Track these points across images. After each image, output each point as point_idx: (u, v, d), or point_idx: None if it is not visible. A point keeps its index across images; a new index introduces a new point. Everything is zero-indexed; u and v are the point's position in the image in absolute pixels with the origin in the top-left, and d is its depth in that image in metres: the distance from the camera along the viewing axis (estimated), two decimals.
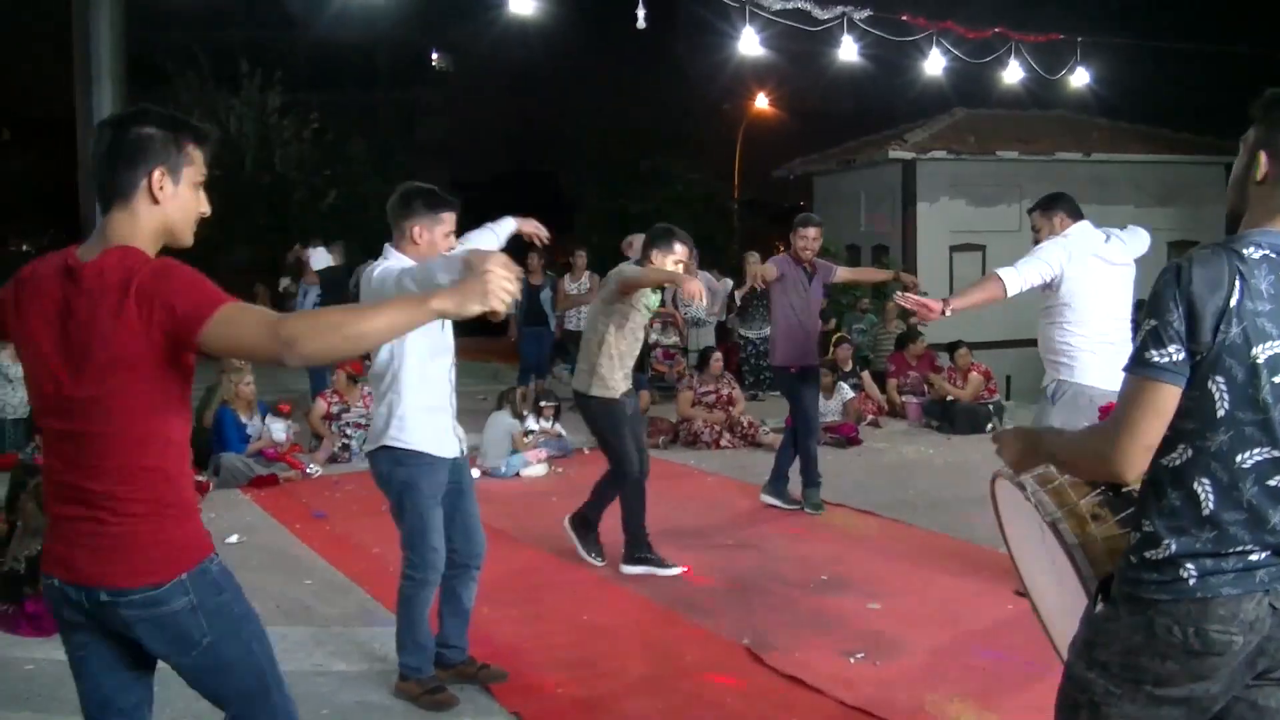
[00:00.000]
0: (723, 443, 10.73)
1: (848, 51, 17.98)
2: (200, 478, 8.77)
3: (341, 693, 4.75)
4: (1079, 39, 17.74)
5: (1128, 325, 5.59)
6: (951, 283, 21.35)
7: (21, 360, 2.61)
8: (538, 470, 9.56)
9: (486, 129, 39.49)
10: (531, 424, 10.14)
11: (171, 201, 2.59)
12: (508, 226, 5.40)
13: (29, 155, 32.60)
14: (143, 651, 2.65)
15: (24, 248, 33.70)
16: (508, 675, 4.82)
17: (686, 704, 4.64)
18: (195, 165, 2.63)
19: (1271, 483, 2.26)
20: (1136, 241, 5.88)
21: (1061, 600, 2.77)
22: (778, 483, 8.23)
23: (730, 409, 11.10)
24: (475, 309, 2.48)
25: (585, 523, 6.71)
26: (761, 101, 32.41)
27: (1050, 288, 5.63)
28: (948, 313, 5.56)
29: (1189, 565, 2.26)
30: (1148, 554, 2.31)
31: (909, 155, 21.22)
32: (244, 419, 9.49)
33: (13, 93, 32.02)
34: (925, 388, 12.42)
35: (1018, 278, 5.54)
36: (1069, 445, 2.52)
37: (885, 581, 6.30)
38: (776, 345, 8.18)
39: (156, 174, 2.56)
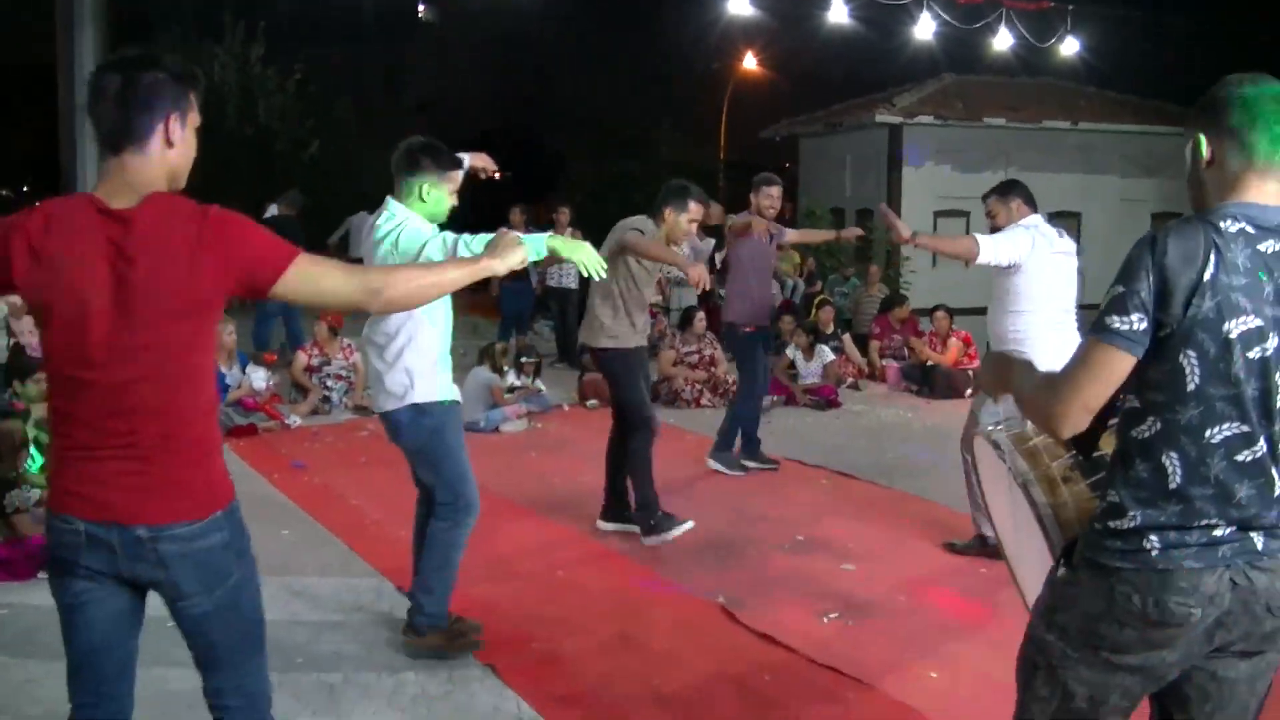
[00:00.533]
0: (703, 402, 10.76)
1: (837, 13, 17.94)
2: None
3: (316, 643, 4.77)
4: (1070, 6, 17.73)
5: (1074, 313, 5.85)
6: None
7: (46, 309, 2.52)
8: (517, 425, 9.56)
9: (473, 87, 39.10)
10: (512, 379, 10.14)
11: (180, 146, 2.65)
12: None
13: (10, 101, 32.21)
14: (141, 604, 2.70)
15: (3, 193, 33.38)
16: (482, 628, 4.83)
17: (659, 661, 4.66)
18: (195, 111, 2.71)
19: (1239, 458, 2.25)
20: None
21: (1031, 561, 2.79)
22: (749, 446, 8.20)
23: (712, 369, 11.12)
24: (517, 257, 2.99)
25: (620, 506, 6.50)
26: (750, 63, 32.26)
27: (1008, 271, 5.77)
28: (914, 243, 5.99)
29: (1153, 537, 2.26)
30: (1112, 524, 2.32)
31: (896, 120, 21.16)
32: (223, 369, 9.46)
33: None
34: (906, 351, 12.45)
35: (992, 247, 5.72)
36: (1027, 386, 2.50)
37: (860, 543, 6.34)
38: (732, 303, 8.06)
39: (171, 120, 2.61)
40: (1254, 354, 2.22)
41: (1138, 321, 2.22)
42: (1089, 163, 21.88)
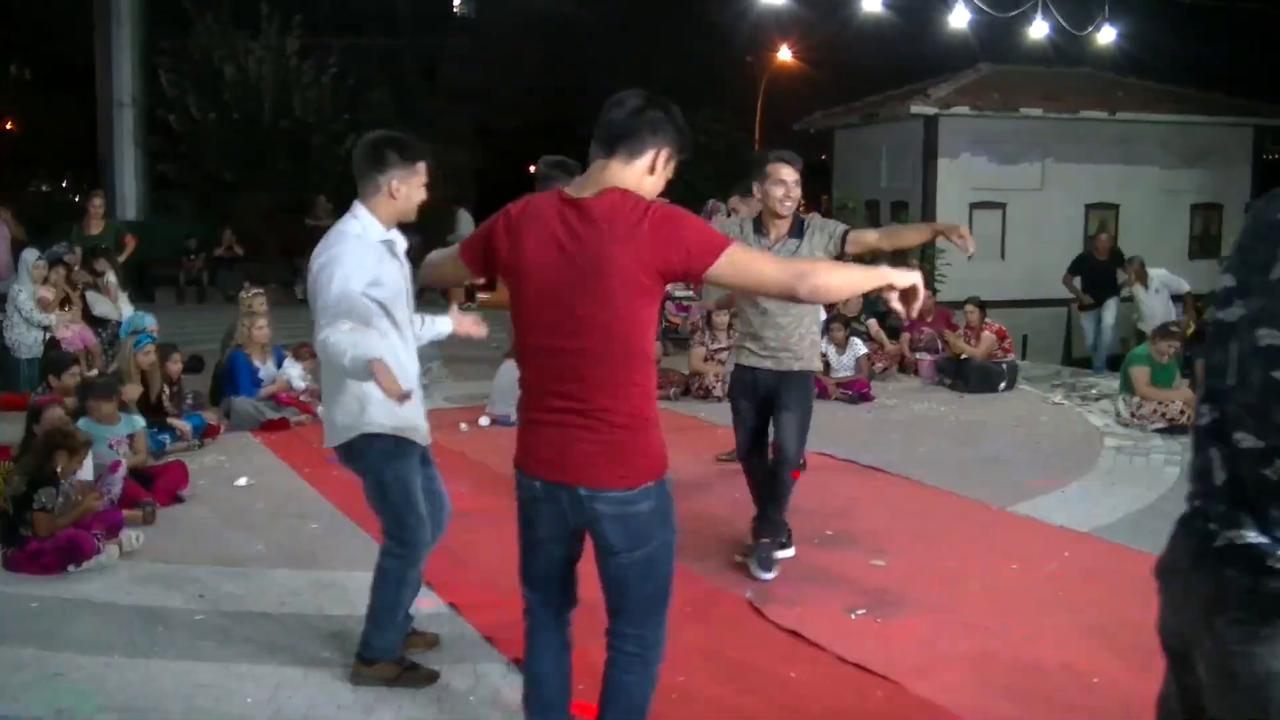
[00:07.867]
0: None
1: (872, 3, 17.85)
2: (211, 420, 8.81)
3: (344, 638, 4.77)
4: None
5: None
6: None
7: (514, 287, 2.96)
8: None
9: (510, 78, 39.17)
10: None
11: (657, 180, 3.08)
12: (444, 327, 4.84)
13: (51, 96, 32.58)
14: (578, 543, 3.17)
15: (43, 188, 33.71)
16: (440, 640, 4.75)
17: (684, 655, 4.60)
18: (674, 160, 3.13)
19: None
20: None
21: None
22: None
23: None
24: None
25: None
26: (785, 54, 32.14)
27: None
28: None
29: None
30: None
31: (931, 110, 21.03)
32: (257, 363, 9.49)
33: (33, 33, 31.93)
34: (940, 345, 12.36)
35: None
36: None
37: (890, 539, 6.28)
38: None
39: (662, 153, 3.06)
40: None
41: None
42: (1127, 154, 21.68)
